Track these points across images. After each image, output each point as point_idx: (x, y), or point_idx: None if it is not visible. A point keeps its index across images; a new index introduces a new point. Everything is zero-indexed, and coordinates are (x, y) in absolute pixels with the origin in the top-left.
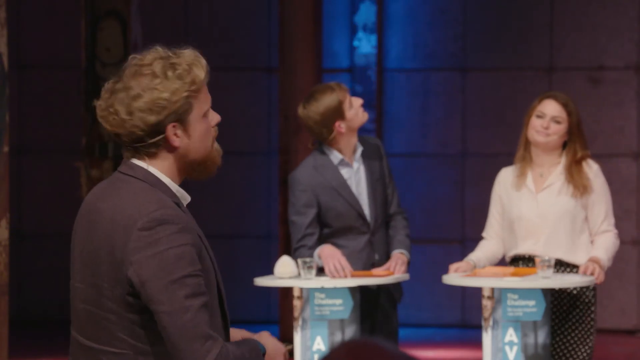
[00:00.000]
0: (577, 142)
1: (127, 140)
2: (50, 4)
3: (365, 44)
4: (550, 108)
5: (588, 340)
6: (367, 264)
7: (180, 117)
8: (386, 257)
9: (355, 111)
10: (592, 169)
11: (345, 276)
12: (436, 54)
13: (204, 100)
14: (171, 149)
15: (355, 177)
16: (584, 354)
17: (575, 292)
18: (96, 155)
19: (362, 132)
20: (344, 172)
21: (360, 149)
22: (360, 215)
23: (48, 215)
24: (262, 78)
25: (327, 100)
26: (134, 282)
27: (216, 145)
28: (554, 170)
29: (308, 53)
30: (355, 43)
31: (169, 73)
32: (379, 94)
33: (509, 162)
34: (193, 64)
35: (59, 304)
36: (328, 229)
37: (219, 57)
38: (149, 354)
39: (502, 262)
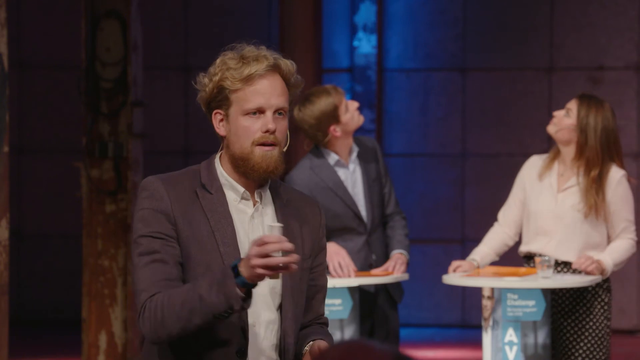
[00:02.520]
0: (591, 152)
1: None
2: (50, 4)
3: (365, 44)
4: (570, 101)
5: (603, 340)
6: (364, 265)
7: (220, 106)
8: (384, 258)
9: (351, 115)
10: (614, 179)
11: (349, 275)
12: (436, 54)
13: (249, 100)
14: (221, 136)
15: (352, 177)
16: (600, 354)
17: (589, 289)
18: (96, 155)
19: (362, 132)
20: (340, 172)
21: (356, 150)
22: (357, 215)
23: (48, 215)
24: None
25: (322, 104)
26: None
27: (262, 151)
28: (575, 173)
29: (308, 53)
30: (355, 43)
31: (222, 63)
32: (379, 94)
33: (509, 162)
34: (247, 61)
35: (59, 304)
36: (325, 230)
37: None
38: None
39: (510, 256)
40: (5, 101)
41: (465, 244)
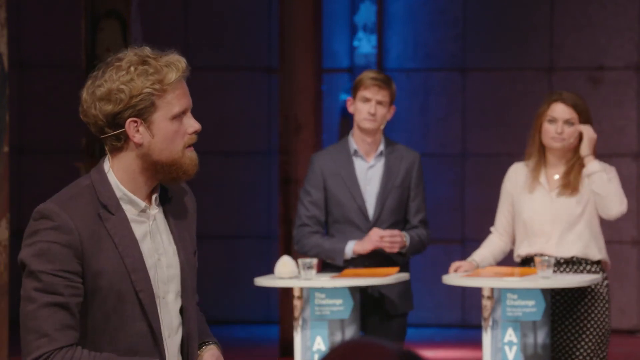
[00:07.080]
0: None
1: (94, 130)
2: (50, 4)
3: (365, 44)
4: (560, 111)
5: (604, 339)
6: (358, 263)
7: (141, 114)
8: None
9: (358, 112)
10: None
11: (401, 240)
12: (436, 54)
13: (175, 103)
14: (134, 145)
15: (368, 172)
16: (600, 354)
17: (590, 288)
18: (96, 155)
19: None
20: (357, 163)
21: (380, 149)
22: (361, 210)
23: None
24: (262, 78)
25: (359, 76)
26: None
27: (190, 153)
28: (563, 168)
29: (308, 53)
30: (355, 43)
31: (135, 68)
32: None
33: (509, 162)
34: (167, 65)
35: None
36: (331, 217)
37: (219, 57)
38: None
39: (509, 258)
40: (5, 101)
41: (465, 244)
